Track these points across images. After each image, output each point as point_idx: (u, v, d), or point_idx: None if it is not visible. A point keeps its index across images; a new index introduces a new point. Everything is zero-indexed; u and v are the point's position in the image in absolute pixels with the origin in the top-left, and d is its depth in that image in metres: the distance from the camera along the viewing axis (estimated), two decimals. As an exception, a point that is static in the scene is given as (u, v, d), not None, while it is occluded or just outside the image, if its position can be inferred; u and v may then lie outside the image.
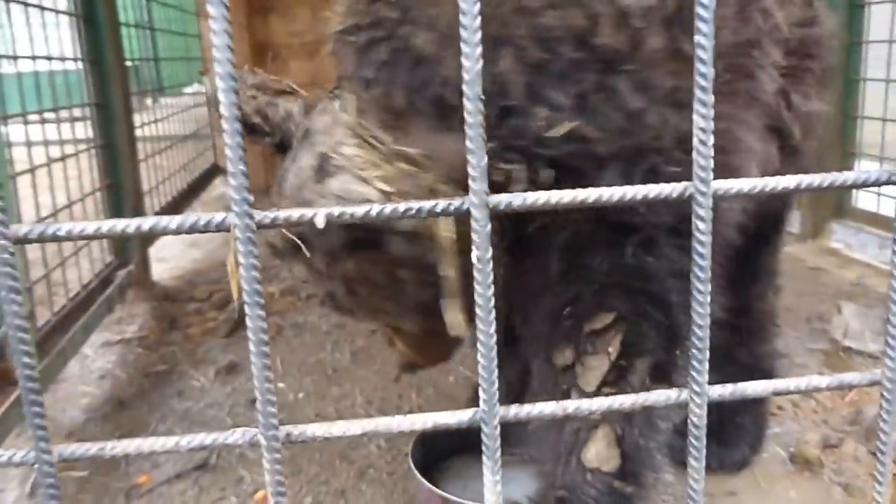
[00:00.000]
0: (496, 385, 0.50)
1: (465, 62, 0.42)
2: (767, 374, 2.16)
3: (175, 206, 4.60)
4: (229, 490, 2.21)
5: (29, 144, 2.71)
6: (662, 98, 1.32)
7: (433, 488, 1.92)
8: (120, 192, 3.65)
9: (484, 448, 0.51)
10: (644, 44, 1.30)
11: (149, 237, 3.81)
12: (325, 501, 2.15)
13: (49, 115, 3.08)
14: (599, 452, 1.52)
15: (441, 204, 0.46)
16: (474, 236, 0.46)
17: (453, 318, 1.31)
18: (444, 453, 2.20)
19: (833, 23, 1.97)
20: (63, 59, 3.33)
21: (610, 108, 1.29)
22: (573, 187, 0.50)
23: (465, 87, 0.43)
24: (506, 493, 1.79)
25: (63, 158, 3.08)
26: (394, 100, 1.35)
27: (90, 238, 0.44)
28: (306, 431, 0.50)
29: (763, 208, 1.94)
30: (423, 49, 1.33)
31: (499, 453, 0.51)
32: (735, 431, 2.22)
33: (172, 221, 0.45)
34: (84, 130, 3.55)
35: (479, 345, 0.49)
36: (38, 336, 2.50)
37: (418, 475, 1.95)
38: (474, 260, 0.47)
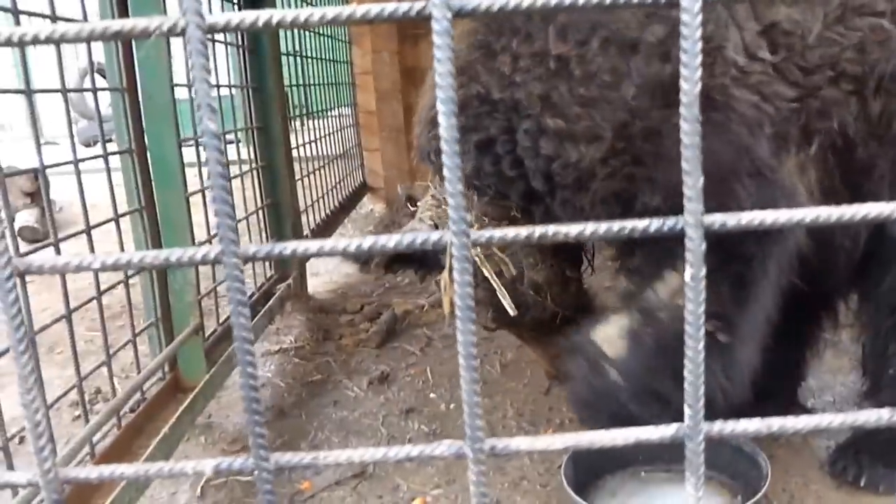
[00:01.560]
0: (702, 401, 0.49)
1: (683, 85, 0.42)
2: None
3: (329, 223, 4.79)
4: (387, 498, 2.27)
5: (201, 166, 2.89)
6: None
7: (588, 506, 1.90)
8: (280, 210, 3.84)
9: (687, 464, 0.50)
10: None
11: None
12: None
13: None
14: None
15: (655, 223, 0.47)
16: (689, 255, 0.46)
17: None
18: (596, 471, 2.17)
19: None
20: (230, 87, 3.54)
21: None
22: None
23: (682, 110, 0.43)
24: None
25: (229, 179, 3.26)
26: None
27: (326, 255, 0.47)
28: (510, 445, 0.51)
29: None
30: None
31: (702, 469, 0.50)
32: None
33: (391, 241, 0.47)
34: (237, 153, 3.76)
35: (686, 360, 0.49)
36: (206, 346, 2.66)
37: (572, 493, 1.94)
38: (687, 279, 0.47)
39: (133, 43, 2.20)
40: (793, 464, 2.23)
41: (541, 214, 2.04)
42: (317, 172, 4.84)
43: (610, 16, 1.86)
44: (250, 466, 0.49)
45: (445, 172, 0.46)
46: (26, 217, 6.32)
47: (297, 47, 4.94)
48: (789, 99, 1.88)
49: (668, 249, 1.82)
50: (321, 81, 6.12)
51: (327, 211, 4.90)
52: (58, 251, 1.84)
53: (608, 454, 2.13)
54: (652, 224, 0.48)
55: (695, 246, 0.45)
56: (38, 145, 1.69)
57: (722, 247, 1.73)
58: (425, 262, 2.15)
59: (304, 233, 4.25)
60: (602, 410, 1.99)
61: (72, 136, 1.92)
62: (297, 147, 4.44)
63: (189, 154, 2.90)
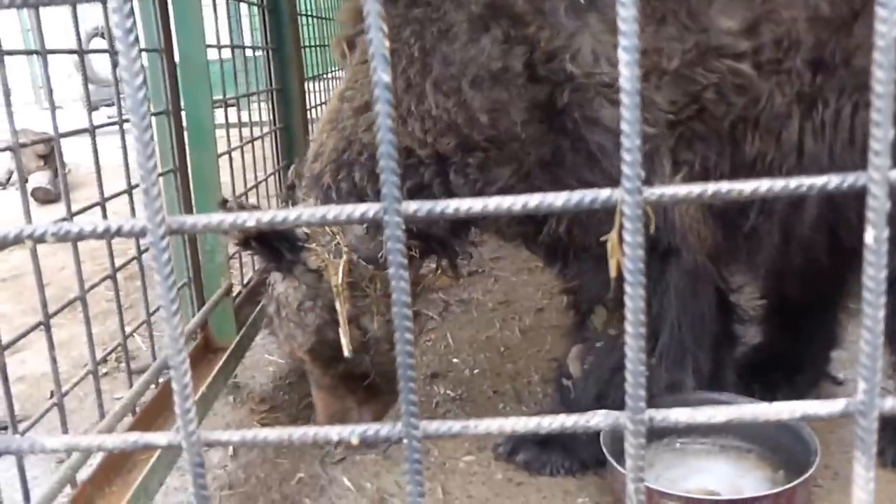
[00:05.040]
0: (879, 375, 0.47)
1: None
2: None
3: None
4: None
5: (228, 126, 2.86)
6: None
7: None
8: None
9: (859, 442, 0.48)
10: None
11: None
12: (516, 479, 2.18)
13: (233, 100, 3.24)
14: None
15: (835, 179, 0.44)
16: (871, 214, 0.44)
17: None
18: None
19: None
20: (253, 48, 3.49)
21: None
22: None
23: (877, 55, 0.40)
24: (700, 482, 1.74)
25: (252, 140, 3.24)
26: None
27: (490, 214, 0.44)
28: (669, 416, 0.48)
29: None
30: None
31: (874, 448, 0.48)
32: None
33: (559, 199, 0.44)
34: (258, 114, 3.72)
35: (864, 330, 0.46)
36: (234, 307, 2.65)
37: (613, 462, 1.92)
38: (870, 241, 0.44)
39: (169, 3, 2.15)
40: (832, 440, 2.19)
41: (458, 243, 2.22)
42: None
43: (474, 51, 1.89)
44: (399, 434, 0.46)
45: (625, 128, 0.43)
46: (39, 179, 6.32)
47: (313, 7, 4.85)
48: (656, 119, 1.87)
49: (601, 282, 1.94)
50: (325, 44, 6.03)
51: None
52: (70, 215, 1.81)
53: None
54: (832, 181, 0.45)
55: (879, 204, 0.43)
56: (53, 110, 1.65)
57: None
58: (277, 253, 2.08)
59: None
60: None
61: (88, 98, 1.88)
62: (310, 109, 4.38)
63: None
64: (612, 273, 0.48)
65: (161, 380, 2.08)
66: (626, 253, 0.44)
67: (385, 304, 2.10)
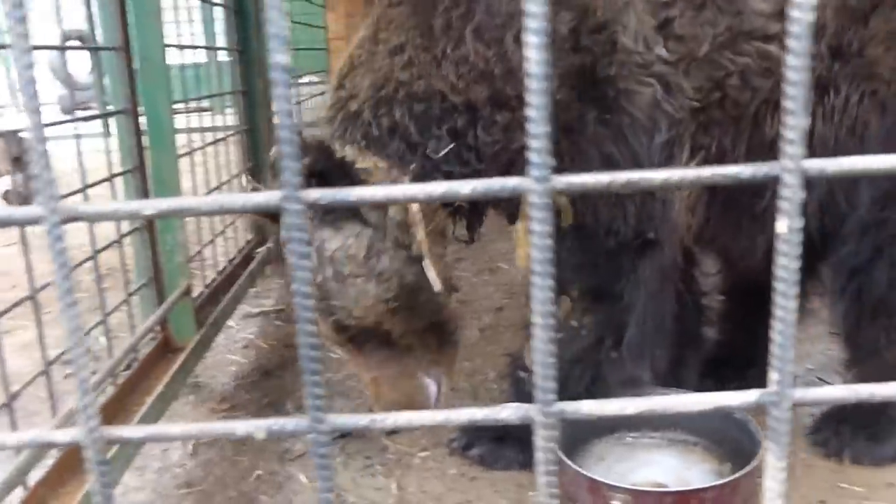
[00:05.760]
0: (790, 366, 0.47)
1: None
2: None
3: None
4: (375, 458, 2.26)
5: (190, 131, 2.85)
6: None
7: (583, 471, 1.89)
8: (261, 174, 3.79)
9: (771, 433, 0.47)
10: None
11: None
12: (469, 473, 2.18)
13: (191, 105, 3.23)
14: None
15: (748, 170, 0.44)
16: (784, 204, 0.44)
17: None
18: (584, 436, 2.17)
19: None
20: (214, 49, 3.46)
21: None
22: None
23: (792, 42, 0.39)
24: (648, 475, 1.75)
25: (215, 142, 3.22)
26: None
27: (382, 203, 0.43)
28: (580, 408, 0.48)
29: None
30: None
31: (787, 438, 0.48)
32: (889, 425, 2.17)
33: (466, 186, 0.44)
34: (211, 119, 3.69)
35: (776, 321, 0.46)
36: (195, 307, 2.62)
37: (563, 456, 1.93)
38: (783, 230, 0.44)
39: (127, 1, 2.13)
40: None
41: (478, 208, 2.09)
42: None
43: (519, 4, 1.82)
44: (305, 428, 0.45)
45: (531, 113, 0.43)
46: (8, 182, 6.25)
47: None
48: (682, 105, 1.88)
49: (572, 269, 1.89)
50: (297, 46, 5.99)
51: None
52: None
53: (596, 419, 2.13)
54: (745, 171, 0.45)
55: (792, 194, 0.42)
56: (38, 113, 1.61)
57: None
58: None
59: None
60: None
61: (72, 93, 1.85)
62: (275, 114, 4.35)
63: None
64: (520, 263, 0.47)
65: (120, 380, 2.06)
66: (535, 243, 0.44)
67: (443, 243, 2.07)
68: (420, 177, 1.92)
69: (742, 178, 0.46)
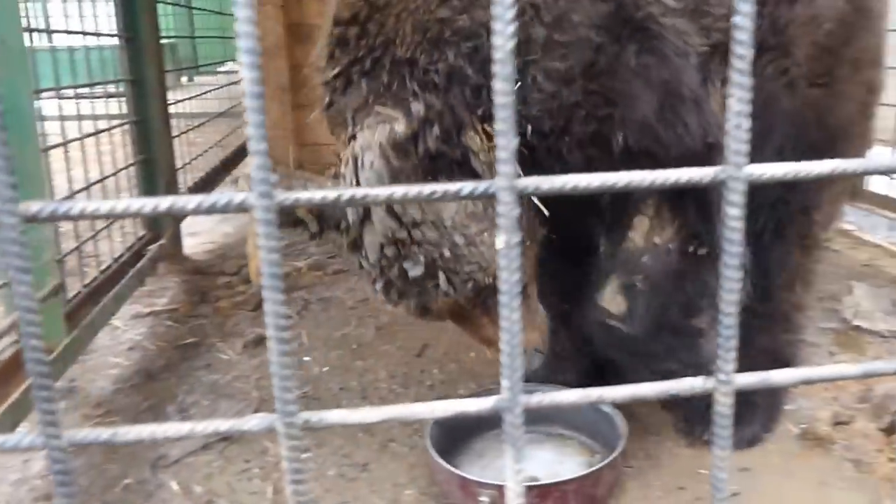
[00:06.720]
0: (519, 372, 0.49)
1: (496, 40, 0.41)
2: (786, 363, 2.19)
3: (207, 181, 4.63)
4: (254, 461, 2.23)
5: (63, 119, 2.73)
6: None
7: (452, 469, 1.92)
8: (153, 168, 3.68)
9: (506, 436, 0.49)
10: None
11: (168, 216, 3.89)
12: (348, 474, 2.16)
13: (84, 91, 3.11)
14: None
15: (468, 186, 0.45)
16: (501, 220, 0.45)
17: None
18: (463, 434, 2.20)
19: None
20: (97, 35, 3.34)
21: None
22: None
23: (496, 67, 0.41)
24: (526, 469, 1.79)
25: (97, 133, 3.11)
26: None
27: (105, 217, 0.43)
28: (325, 418, 0.49)
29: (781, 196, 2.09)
30: None
31: (521, 441, 0.50)
32: (749, 410, 2.24)
33: (191, 201, 0.44)
34: (118, 107, 3.58)
35: (502, 331, 0.48)
36: (69, 308, 2.52)
37: (436, 455, 1.96)
38: (500, 245, 0.46)
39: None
40: (652, 422, 2.32)
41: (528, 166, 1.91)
42: (196, 130, 4.66)
43: None
44: (40, 444, 0.45)
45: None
46: None
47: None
48: (704, 41, 1.94)
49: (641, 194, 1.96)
50: (211, 35, 5.85)
51: (207, 169, 4.73)
52: None
53: (474, 417, 2.17)
54: (465, 188, 0.46)
55: (507, 210, 0.44)
56: None
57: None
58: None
59: (181, 191, 4.10)
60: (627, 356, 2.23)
61: None
62: (176, 103, 4.24)
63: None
64: (253, 277, 0.47)
65: None
66: (263, 257, 0.44)
67: None
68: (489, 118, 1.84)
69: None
